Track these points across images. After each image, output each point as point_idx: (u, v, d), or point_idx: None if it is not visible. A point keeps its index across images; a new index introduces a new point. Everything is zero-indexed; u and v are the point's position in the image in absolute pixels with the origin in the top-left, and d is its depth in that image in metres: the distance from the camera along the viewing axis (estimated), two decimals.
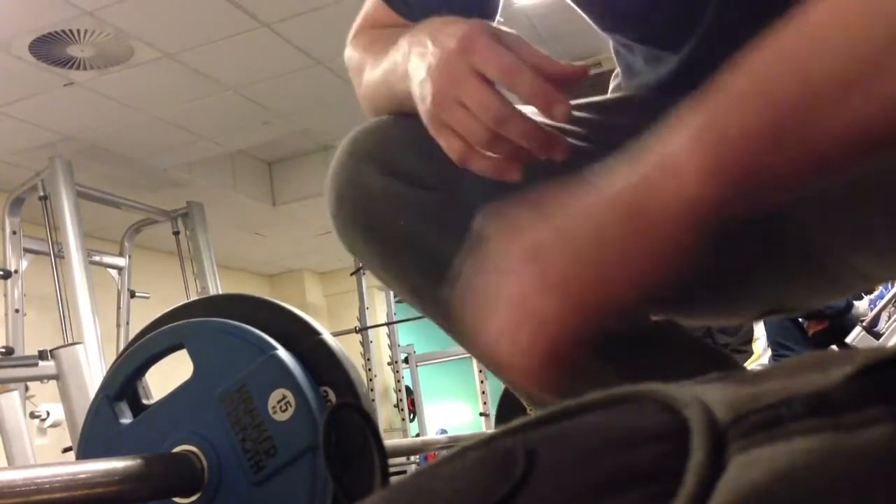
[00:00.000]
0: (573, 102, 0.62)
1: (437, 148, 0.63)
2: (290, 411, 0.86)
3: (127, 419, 0.97)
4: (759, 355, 3.25)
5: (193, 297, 3.64)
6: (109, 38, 3.56)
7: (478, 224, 0.55)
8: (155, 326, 1.02)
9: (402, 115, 0.72)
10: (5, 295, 3.93)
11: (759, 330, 3.31)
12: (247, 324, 0.94)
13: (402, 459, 4.65)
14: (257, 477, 0.86)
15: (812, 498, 0.21)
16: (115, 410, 0.97)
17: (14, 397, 2.99)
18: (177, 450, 0.90)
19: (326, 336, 0.96)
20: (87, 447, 0.98)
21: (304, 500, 0.84)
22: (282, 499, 0.85)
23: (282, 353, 0.90)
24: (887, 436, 0.22)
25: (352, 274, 6.57)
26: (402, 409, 6.75)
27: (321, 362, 0.93)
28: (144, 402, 1.00)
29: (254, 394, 0.88)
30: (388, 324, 6.91)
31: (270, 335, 0.92)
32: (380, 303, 7.30)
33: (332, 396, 0.91)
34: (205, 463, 0.88)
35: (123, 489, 0.80)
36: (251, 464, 0.86)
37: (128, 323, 4.58)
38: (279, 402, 0.87)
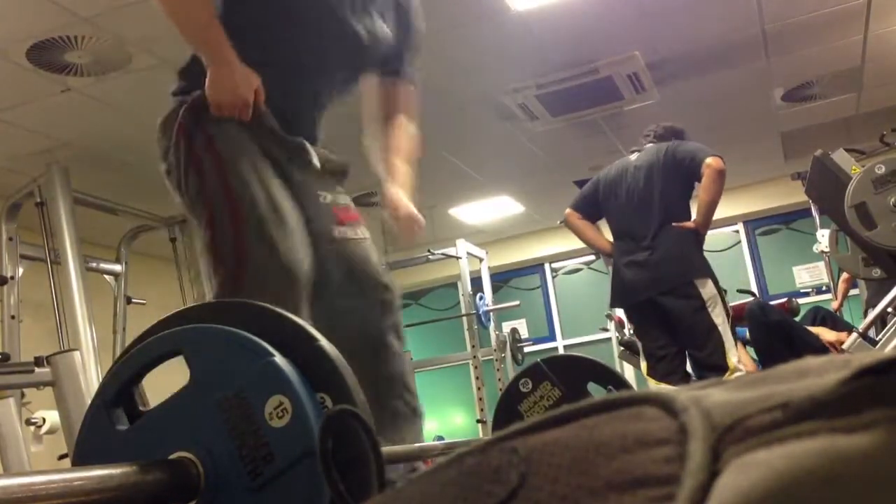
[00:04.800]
0: None
1: None
2: (287, 418, 0.86)
3: (123, 426, 0.97)
4: (735, 368, 3.25)
5: (190, 304, 3.63)
6: (107, 45, 3.56)
7: None
8: (151, 333, 1.02)
9: None
10: (1, 301, 3.93)
11: (730, 342, 3.30)
12: (244, 330, 0.94)
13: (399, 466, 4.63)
14: (254, 483, 0.86)
15: (808, 501, 0.21)
16: (111, 417, 0.97)
17: (10, 404, 2.98)
18: (173, 456, 0.89)
19: (324, 342, 0.96)
20: (82, 454, 0.97)
21: None
22: None
23: (279, 359, 0.90)
24: (885, 439, 0.22)
25: None
26: None
27: (318, 369, 0.93)
28: (141, 408, 0.99)
29: (251, 400, 0.88)
30: None
31: (267, 342, 0.92)
32: None
33: (329, 403, 0.91)
34: (201, 470, 0.87)
35: (119, 496, 0.79)
36: (248, 470, 0.86)
37: (124, 329, 4.57)
38: (276, 408, 0.87)
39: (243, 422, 0.87)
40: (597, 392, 2.43)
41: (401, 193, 1.83)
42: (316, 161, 1.70)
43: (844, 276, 4.96)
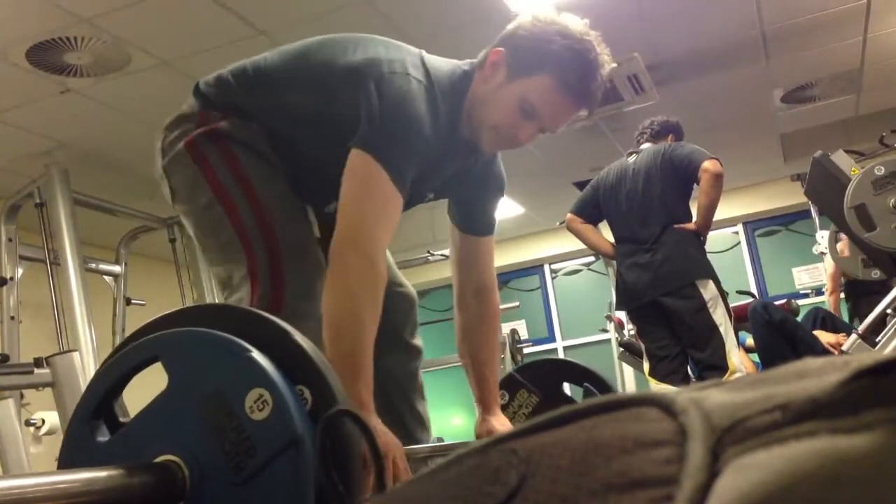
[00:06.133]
0: None
1: None
2: (268, 410, 0.86)
3: (104, 437, 0.96)
4: (735, 369, 3.25)
5: (190, 305, 3.63)
6: (106, 46, 3.56)
7: None
8: (131, 341, 1.02)
9: None
10: (0, 302, 3.92)
11: (731, 343, 3.30)
12: (219, 332, 0.94)
13: None
14: (238, 478, 0.85)
15: (808, 502, 0.21)
16: (91, 430, 0.96)
17: (9, 405, 2.97)
18: (158, 460, 0.89)
19: (298, 336, 0.96)
20: (66, 466, 0.97)
21: (287, 496, 0.84)
22: (265, 497, 0.84)
23: (256, 354, 0.90)
24: (884, 439, 0.22)
25: None
26: None
27: (295, 362, 0.94)
28: (122, 419, 0.99)
29: (230, 396, 0.88)
30: None
31: (243, 340, 0.93)
32: None
33: (307, 395, 0.92)
34: (186, 472, 0.87)
35: (106, 500, 0.79)
36: (231, 465, 0.86)
37: (123, 330, 4.57)
38: (256, 401, 0.87)
39: (224, 418, 0.87)
40: (575, 393, 2.44)
41: (496, 426, 1.81)
42: (315, 231, 1.67)
43: (831, 270, 4.94)
